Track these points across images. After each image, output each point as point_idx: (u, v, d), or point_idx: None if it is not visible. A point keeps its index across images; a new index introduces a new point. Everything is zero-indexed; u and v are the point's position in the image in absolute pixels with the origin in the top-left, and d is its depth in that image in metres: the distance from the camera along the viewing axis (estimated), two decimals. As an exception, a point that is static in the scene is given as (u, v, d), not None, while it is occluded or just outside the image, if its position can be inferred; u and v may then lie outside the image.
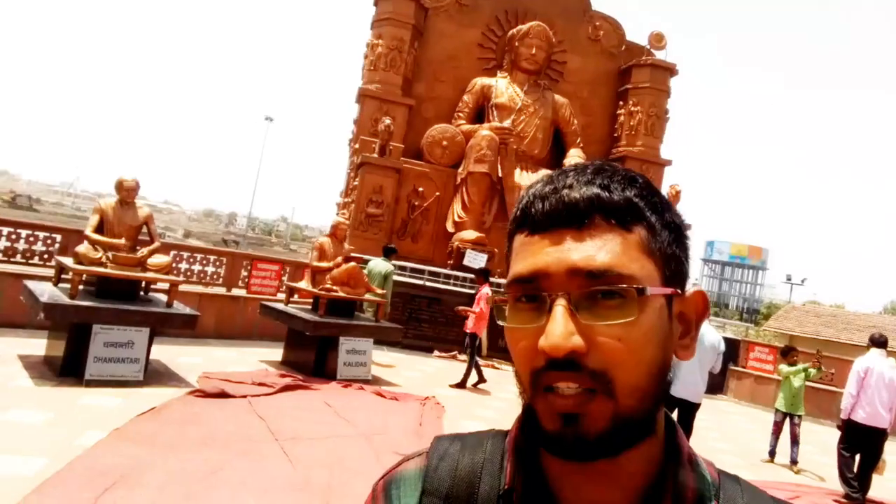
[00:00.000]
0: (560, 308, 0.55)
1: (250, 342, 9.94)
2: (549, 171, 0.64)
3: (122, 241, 6.70)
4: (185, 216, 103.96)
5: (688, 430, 6.36)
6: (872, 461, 6.71)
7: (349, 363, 8.33)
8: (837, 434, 6.99)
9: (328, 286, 8.42)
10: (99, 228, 6.75)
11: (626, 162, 16.20)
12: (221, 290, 10.32)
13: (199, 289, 10.01)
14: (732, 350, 13.41)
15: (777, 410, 8.24)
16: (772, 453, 8.16)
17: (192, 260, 10.14)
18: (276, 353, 9.12)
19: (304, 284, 8.81)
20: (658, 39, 16.60)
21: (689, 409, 6.35)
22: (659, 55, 16.63)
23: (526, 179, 15.06)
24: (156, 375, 6.78)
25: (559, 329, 0.54)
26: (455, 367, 10.77)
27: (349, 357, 8.35)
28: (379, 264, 10.27)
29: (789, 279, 49.32)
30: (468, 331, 9.20)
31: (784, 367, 8.30)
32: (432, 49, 16.16)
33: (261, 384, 6.96)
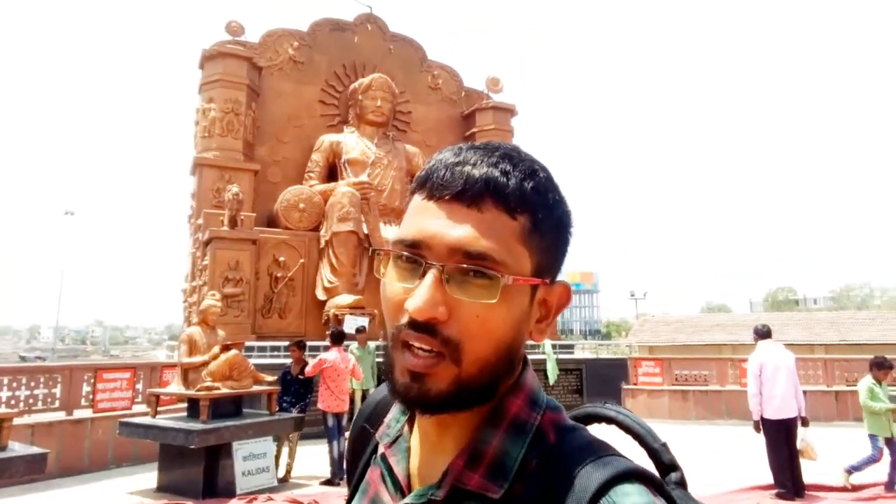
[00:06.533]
0: (431, 277, 0.58)
1: (107, 472, 8.02)
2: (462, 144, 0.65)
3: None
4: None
5: None
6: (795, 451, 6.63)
7: (249, 471, 6.89)
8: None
9: (208, 384, 6.97)
10: None
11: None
12: (60, 415, 8.21)
13: (28, 419, 7.87)
14: (622, 368, 13.70)
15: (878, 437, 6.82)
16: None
17: (15, 385, 7.94)
18: (148, 478, 7.35)
19: (176, 387, 7.24)
20: (495, 83, 17.15)
21: None
22: (497, 98, 17.15)
23: (392, 233, 14.45)
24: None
25: (426, 296, 0.57)
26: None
27: (247, 464, 6.92)
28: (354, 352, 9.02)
29: (633, 295, 53.56)
30: (323, 410, 7.58)
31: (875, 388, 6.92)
32: (271, 109, 15.17)
33: (144, 527, 5.38)
